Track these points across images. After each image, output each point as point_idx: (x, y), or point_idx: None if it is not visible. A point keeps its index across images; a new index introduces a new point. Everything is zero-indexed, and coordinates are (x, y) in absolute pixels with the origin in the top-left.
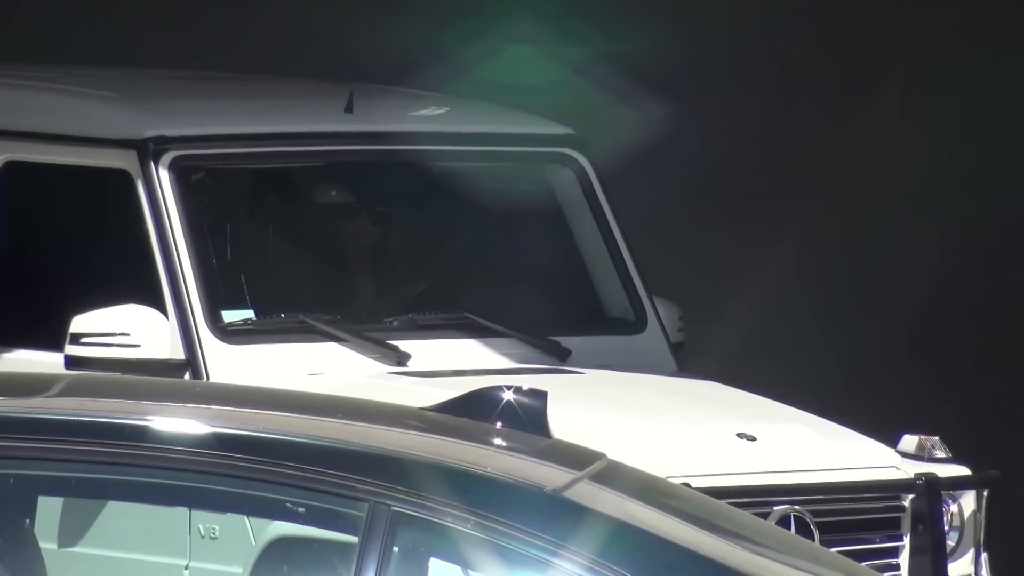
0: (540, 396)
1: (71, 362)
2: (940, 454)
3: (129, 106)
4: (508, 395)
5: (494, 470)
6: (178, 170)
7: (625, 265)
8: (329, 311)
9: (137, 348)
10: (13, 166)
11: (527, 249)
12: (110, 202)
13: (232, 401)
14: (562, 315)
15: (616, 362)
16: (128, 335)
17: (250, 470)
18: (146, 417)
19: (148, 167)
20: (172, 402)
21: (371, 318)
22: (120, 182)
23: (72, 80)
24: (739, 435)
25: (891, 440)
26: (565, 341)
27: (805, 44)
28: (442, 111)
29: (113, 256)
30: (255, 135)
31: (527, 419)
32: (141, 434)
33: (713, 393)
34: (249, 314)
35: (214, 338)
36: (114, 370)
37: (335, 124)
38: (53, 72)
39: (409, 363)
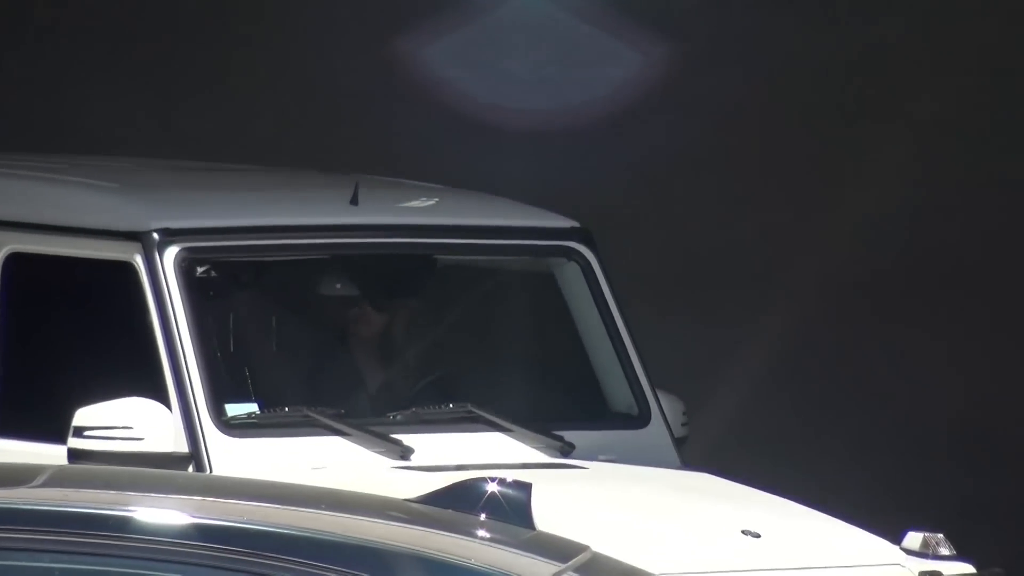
0: (524, 488)
1: (73, 455)
2: (945, 551)
3: (134, 198)
4: (492, 487)
5: (478, 562)
6: (182, 263)
7: (629, 359)
8: (334, 404)
9: (140, 441)
10: (17, 257)
11: (532, 342)
12: (115, 294)
13: (215, 492)
14: (566, 409)
15: (620, 457)
16: (131, 428)
17: (234, 561)
18: (129, 508)
19: (153, 259)
20: (155, 493)
21: (376, 411)
22: (125, 274)
23: (76, 171)
24: (744, 532)
25: (896, 536)
26: (569, 435)
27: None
28: (448, 204)
29: (118, 349)
30: (260, 227)
31: (511, 510)
32: (124, 525)
33: (717, 488)
34: (252, 408)
35: (217, 431)
36: (117, 463)
37: (341, 217)
38: (57, 162)
39: (413, 457)
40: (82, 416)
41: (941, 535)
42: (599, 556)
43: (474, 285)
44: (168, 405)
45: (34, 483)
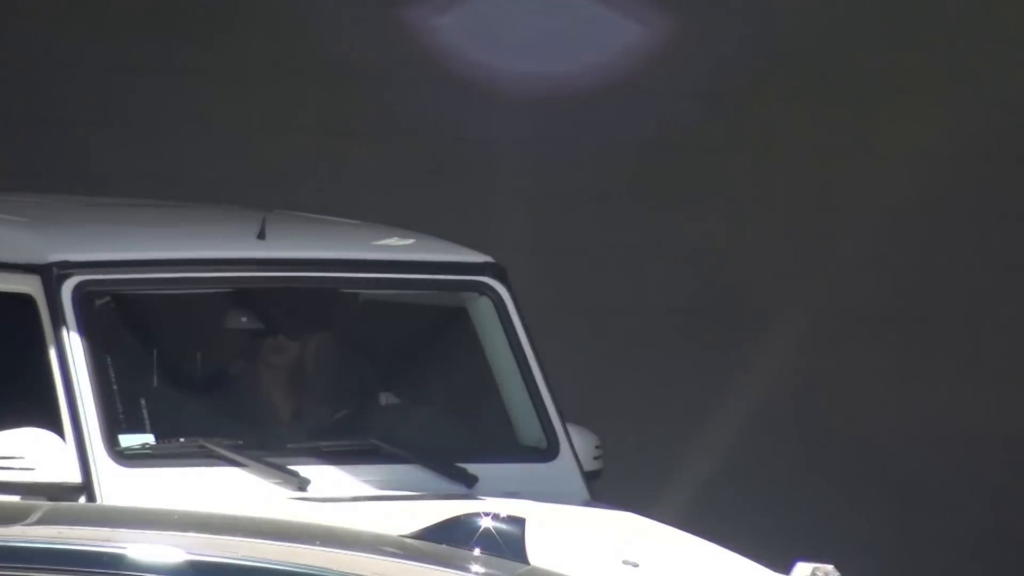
0: (518, 522)
1: None
2: None
3: (35, 231)
4: (486, 521)
5: None
6: (81, 295)
7: (539, 393)
8: (237, 436)
9: (31, 471)
10: None
11: (444, 376)
12: (18, 326)
13: (211, 529)
14: (475, 442)
15: (527, 490)
16: (23, 458)
17: None
18: (124, 545)
19: (51, 292)
20: (149, 530)
21: (282, 443)
22: (27, 307)
23: None
24: (624, 562)
25: (786, 567)
26: (478, 468)
27: None
28: (359, 238)
29: (18, 379)
30: (162, 261)
31: (505, 545)
32: (119, 562)
33: (613, 521)
34: (148, 438)
35: (110, 461)
36: (10, 493)
37: (245, 251)
38: None
39: (310, 489)
40: None
41: (831, 566)
42: None
43: (390, 318)
44: (64, 436)
45: (29, 521)
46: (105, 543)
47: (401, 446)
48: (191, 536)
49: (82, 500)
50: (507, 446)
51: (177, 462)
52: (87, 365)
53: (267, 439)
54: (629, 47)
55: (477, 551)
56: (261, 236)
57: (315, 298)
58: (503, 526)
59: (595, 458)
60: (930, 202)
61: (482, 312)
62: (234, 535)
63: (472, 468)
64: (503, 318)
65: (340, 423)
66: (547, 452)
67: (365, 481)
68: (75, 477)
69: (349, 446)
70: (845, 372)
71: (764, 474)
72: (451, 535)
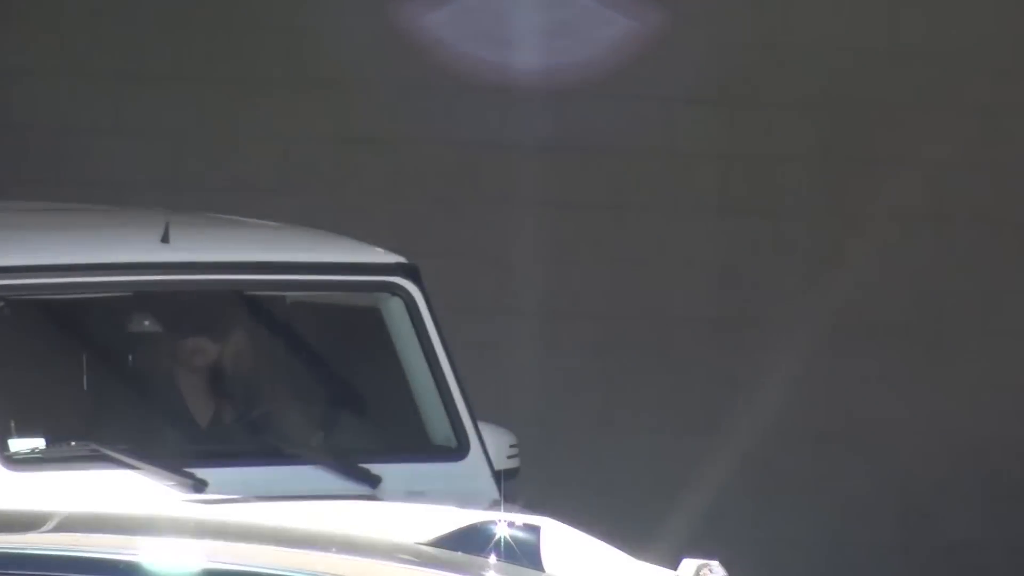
0: (534, 530)
1: None
2: None
3: None
4: (502, 529)
5: None
6: None
7: (450, 393)
8: (133, 440)
9: None
10: None
11: (352, 377)
12: None
13: (227, 536)
14: (385, 442)
15: (436, 489)
16: None
17: None
18: (139, 553)
19: None
20: (165, 537)
21: (176, 446)
22: None
23: None
24: None
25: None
26: (386, 468)
27: None
28: (267, 240)
29: None
30: (57, 266)
31: (520, 552)
32: (134, 570)
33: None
34: (38, 443)
35: None
36: None
37: (147, 255)
38: None
39: (207, 491)
40: None
41: (715, 562)
42: None
43: (294, 321)
44: None
45: (44, 528)
46: (120, 551)
47: (303, 447)
48: (207, 543)
49: None
50: (417, 445)
51: (67, 465)
52: None
53: (166, 441)
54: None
55: (493, 558)
56: (165, 239)
57: (228, 300)
58: (519, 534)
59: (509, 457)
60: (981, 209)
61: (393, 312)
62: (250, 542)
63: (380, 468)
64: (414, 318)
65: (248, 425)
66: (456, 451)
67: (266, 482)
68: None
69: (250, 447)
70: (874, 380)
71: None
72: (467, 543)
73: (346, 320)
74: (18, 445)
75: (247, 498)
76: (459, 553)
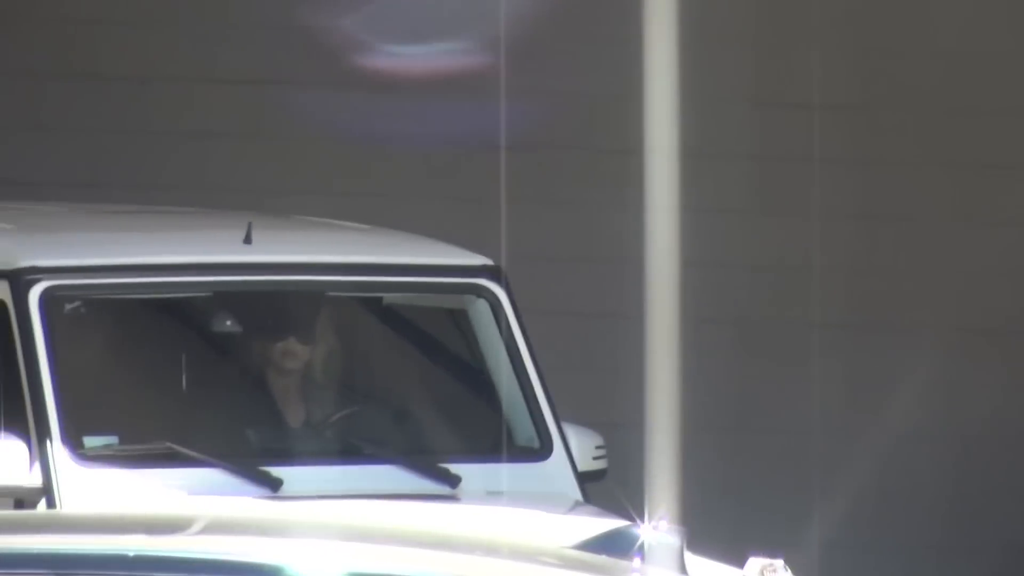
0: (678, 534)
1: None
2: None
3: (8, 238)
4: (646, 533)
5: None
6: (49, 300)
7: (534, 393)
8: (210, 438)
9: None
10: None
11: (437, 377)
12: None
13: (370, 539)
14: (468, 442)
15: (519, 489)
16: None
17: None
18: (283, 556)
19: (20, 297)
20: (310, 539)
21: (252, 445)
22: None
23: None
24: None
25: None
26: (469, 468)
27: None
28: (351, 241)
29: None
30: (138, 266)
31: (664, 556)
32: (277, 573)
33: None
34: (113, 440)
35: (70, 462)
36: None
37: (228, 255)
38: None
39: (283, 489)
40: None
41: (780, 560)
42: None
43: (388, 320)
44: (30, 439)
45: (190, 531)
46: (265, 553)
47: (383, 446)
48: (352, 546)
49: (42, 503)
50: (500, 446)
51: (141, 463)
52: (51, 368)
53: (243, 440)
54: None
55: (637, 562)
56: (247, 240)
57: (315, 301)
58: (663, 537)
59: (595, 458)
60: None
61: (479, 314)
62: (395, 545)
63: (463, 467)
64: (499, 320)
65: (334, 425)
66: (540, 452)
67: (345, 481)
68: (36, 480)
69: (337, 447)
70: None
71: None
72: (611, 546)
73: (431, 321)
74: (93, 442)
75: (318, 495)
76: (603, 556)
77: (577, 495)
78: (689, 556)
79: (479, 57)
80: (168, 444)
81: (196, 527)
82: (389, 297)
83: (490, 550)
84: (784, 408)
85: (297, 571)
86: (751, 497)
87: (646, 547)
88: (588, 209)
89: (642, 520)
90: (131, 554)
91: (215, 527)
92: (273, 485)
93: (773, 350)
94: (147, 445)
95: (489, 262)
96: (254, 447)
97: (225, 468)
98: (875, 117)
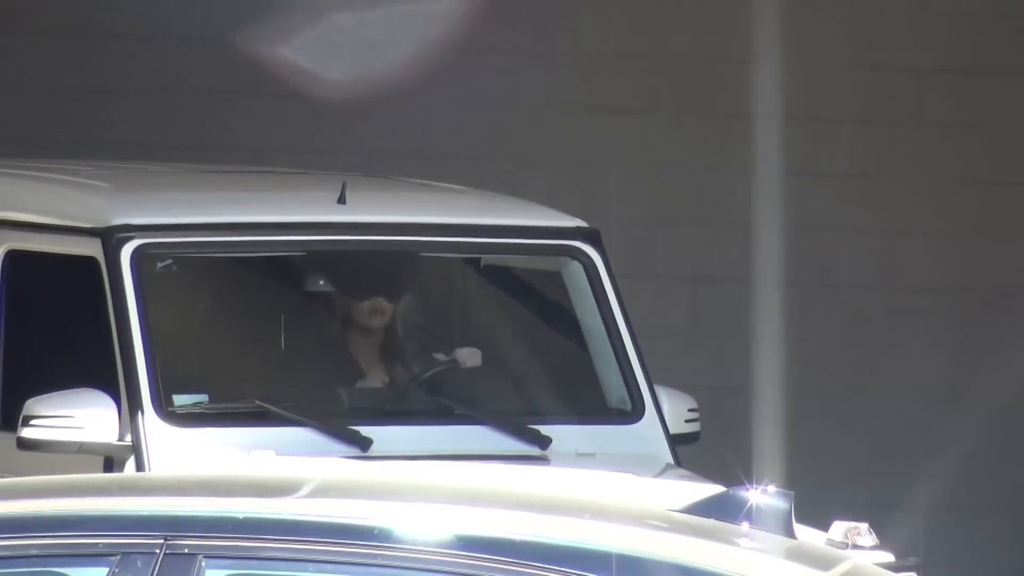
0: (786, 497)
1: (21, 444)
2: (865, 542)
3: (101, 195)
4: (754, 496)
5: (741, 571)
6: (140, 258)
7: (627, 356)
8: (299, 398)
9: (81, 431)
10: (13, 255)
11: (528, 339)
12: (82, 289)
13: (479, 502)
14: (558, 403)
15: (610, 451)
16: (72, 417)
17: (499, 571)
18: (393, 519)
19: (111, 254)
20: (418, 502)
21: (343, 404)
22: (91, 269)
23: (59, 171)
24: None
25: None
26: (559, 429)
27: None
28: (445, 202)
29: (82, 341)
30: (228, 224)
31: (772, 520)
32: (388, 536)
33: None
34: (202, 398)
35: (159, 421)
36: (60, 452)
37: (323, 215)
38: (46, 164)
39: (372, 449)
40: (30, 406)
41: (865, 524)
42: (861, 565)
43: (480, 281)
44: (119, 397)
45: (299, 493)
46: (374, 516)
47: (472, 406)
48: (461, 509)
49: (131, 461)
50: (591, 407)
51: (229, 422)
52: (141, 326)
53: (333, 400)
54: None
55: (745, 526)
56: (341, 200)
57: (404, 261)
58: (771, 501)
59: (687, 421)
60: None
61: (573, 276)
62: (502, 508)
63: (553, 429)
64: (594, 282)
65: (422, 385)
66: (631, 414)
67: (435, 441)
68: (124, 437)
69: (425, 407)
70: None
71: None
72: (719, 510)
73: (524, 283)
74: (182, 400)
75: (408, 456)
76: (710, 520)
77: (668, 458)
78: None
79: (580, 21)
80: (257, 403)
81: (305, 489)
82: (482, 258)
83: (598, 513)
84: (892, 374)
85: (406, 534)
86: (856, 462)
87: (754, 511)
88: (699, 173)
89: (749, 484)
90: (240, 516)
91: (324, 490)
92: (363, 445)
93: (881, 316)
94: (236, 404)
95: (584, 224)
96: (342, 406)
97: (314, 427)
98: (984, 83)
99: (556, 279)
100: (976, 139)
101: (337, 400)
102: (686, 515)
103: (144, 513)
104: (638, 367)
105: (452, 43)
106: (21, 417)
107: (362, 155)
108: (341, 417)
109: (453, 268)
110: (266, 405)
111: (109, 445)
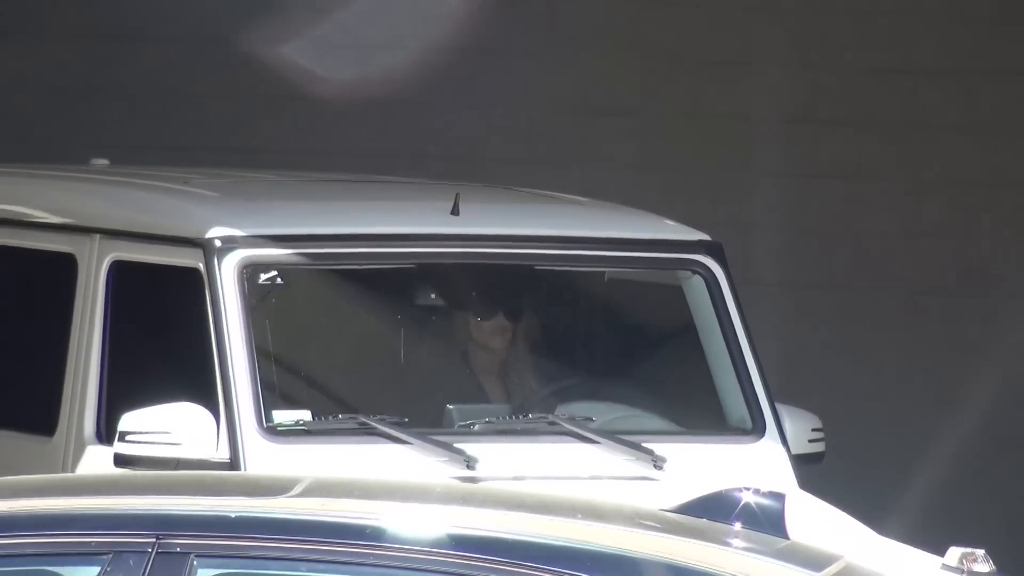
0: (778, 497)
1: (118, 460)
2: (981, 568)
3: (203, 205)
4: (746, 496)
5: (733, 571)
6: (241, 270)
7: (748, 373)
8: (401, 414)
9: (178, 447)
10: (118, 265)
11: (647, 355)
12: (184, 299)
13: (472, 502)
14: (676, 421)
15: (728, 470)
16: (169, 433)
17: (491, 571)
18: (386, 518)
19: (212, 266)
20: (412, 502)
21: (450, 422)
22: (193, 280)
23: (160, 178)
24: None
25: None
26: (677, 447)
27: None
28: (562, 214)
29: (182, 354)
30: (333, 236)
31: (765, 520)
32: (381, 535)
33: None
34: (303, 415)
35: (258, 437)
36: (157, 468)
37: (436, 226)
38: (148, 171)
39: (479, 468)
40: (127, 421)
41: (982, 551)
42: (853, 566)
43: (595, 297)
44: (218, 412)
45: (292, 493)
46: (367, 516)
47: (584, 425)
48: (454, 509)
49: None
50: (712, 425)
51: (330, 438)
52: (242, 340)
53: (439, 417)
54: None
55: (737, 526)
56: (455, 212)
57: (523, 276)
58: (763, 501)
59: (811, 441)
60: None
61: (694, 289)
62: (496, 508)
63: (672, 446)
64: (715, 296)
65: (532, 403)
66: (752, 432)
67: (544, 461)
68: (222, 454)
69: (526, 424)
70: None
71: None
72: (711, 510)
73: (643, 296)
74: (282, 416)
75: (513, 476)
76: (703, 520)
77: (791, 478)
78: (873, 535)
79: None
80: (359, 419)
81: (297, 489)
82: (600, 272)
83: (591, 513)
84: (890, 374)
85: (397, 533)
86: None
87: (746, 510)
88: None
89: (745, 486)
90: (232, 515)
91: (316, 489)
92: (469, 463)
93: (880, 316)
94: (337, 421)
95: (706, 237)
96: (450, 424)
97: (418, 444)
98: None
99: (677, 292)
100: (975, 140)
101: (444, 417)
102: (678, 515)
103: (136, 512)
104: (760, 384)
105: (453, 43)
106: (118, 432)
107: (362, 155)
108: (447, 434)
109: (571, 281)
110: (367, 420)
111: (207, 462)
